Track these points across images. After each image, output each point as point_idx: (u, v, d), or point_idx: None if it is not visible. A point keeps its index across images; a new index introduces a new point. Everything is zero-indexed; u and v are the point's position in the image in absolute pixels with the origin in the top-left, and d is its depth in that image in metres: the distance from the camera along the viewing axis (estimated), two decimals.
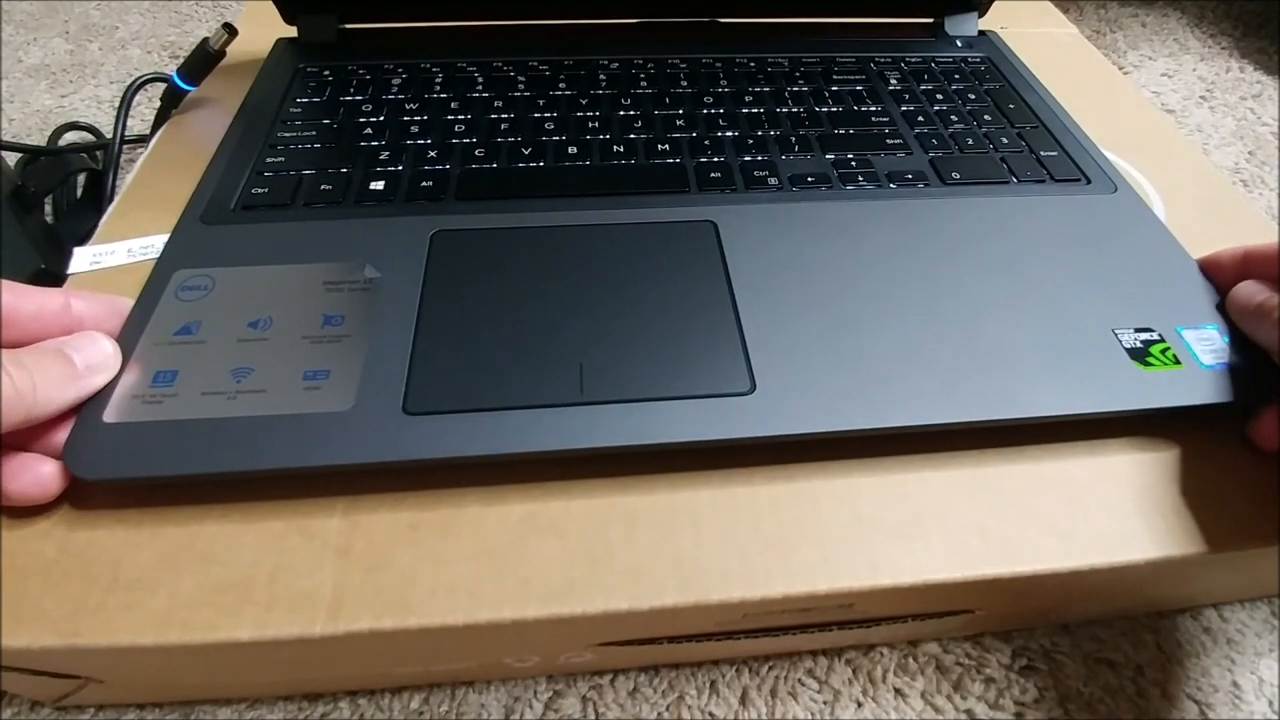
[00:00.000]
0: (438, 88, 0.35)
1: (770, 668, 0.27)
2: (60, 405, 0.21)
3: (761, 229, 0.28)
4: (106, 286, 0.27)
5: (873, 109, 0.35)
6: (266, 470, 0.21)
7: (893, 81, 0.37)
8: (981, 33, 0.41)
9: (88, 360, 0.22)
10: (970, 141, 0.34)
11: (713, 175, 0.31)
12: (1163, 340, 0.25)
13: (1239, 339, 0.25)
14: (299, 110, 0.34)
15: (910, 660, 0.28)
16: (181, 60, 0.37)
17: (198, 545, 0.21)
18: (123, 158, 0.38)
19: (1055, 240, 0.29)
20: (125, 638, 0.19)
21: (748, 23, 0.41)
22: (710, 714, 0.26)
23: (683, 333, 0.24)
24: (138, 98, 0.39)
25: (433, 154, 0.31)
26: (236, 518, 0.22)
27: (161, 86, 0.37)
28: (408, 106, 0.34)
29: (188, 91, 0.37)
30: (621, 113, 0.34)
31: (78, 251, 0.29)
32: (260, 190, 0.29)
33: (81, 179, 0.41)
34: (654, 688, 0.27)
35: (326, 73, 0.36)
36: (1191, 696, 0.27)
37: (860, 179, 0.31)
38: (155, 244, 0.28)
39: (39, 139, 0.48)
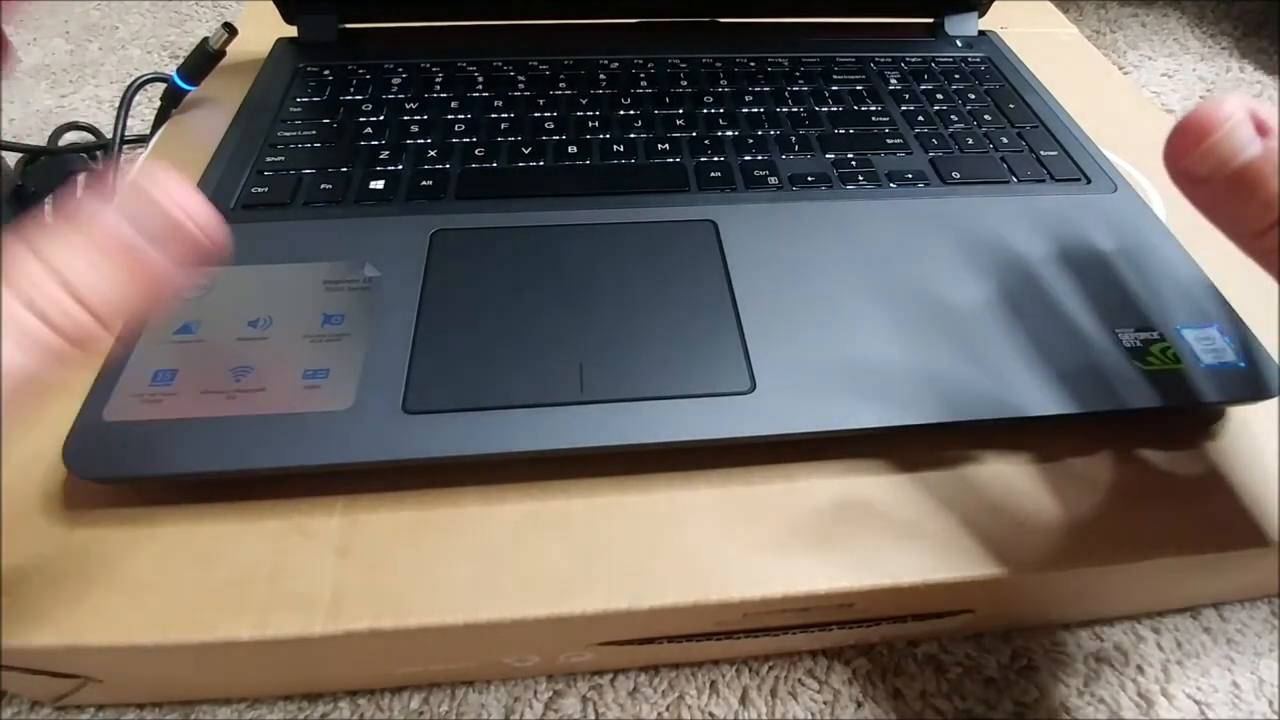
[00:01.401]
0: (438, 87, 0.35)
1: (770, 668, 0.27)
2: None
3: (761, 228, 0.28)
4: None
5: (873, 109, 0.35)
6: (266, 469, 0.21)
7: (893, 81, 0.37)
8: (981, 33, 0.41)
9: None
10: (970, 141, 0.34)
11: (713, 175, 0.31)
12: (1163, 340, 0.25)
13: (1240, 338, 0.25)
14: (299, 110, 0.34)
15: (910, 660, 0.28)
16: (181, 60, 0.37)
17: (198, 545, 0.21)
18: (123, 158, 0.38)
19: (1055, 240, 0.28)
20: (125, 637, 0.19)
21: (748, 23, 0.41)
22: (710, 714, 0.26)
23: (683, 332, 0.24)
24: (138, 98, 0.39)
25: (433, 153, 0.31)
26: (236, 517, 0.22)
27: (161, 86, 0.37)
28: (408, 106, 0.34)
29: (188, 91, 0.37)
30: (621, 112, 0.34)
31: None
32: (260, 189, 0.29)
33: (81, 179, 0.41)
34: (654, 688, 0.27)
35: (326, 72, 0.36)
36: (1191, 696, 0.27)
37: (860, 178, 0.31)
38: None
39: (39, 139, 0.48)
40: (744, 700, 0.27)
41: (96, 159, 0.42)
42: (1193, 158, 0.17)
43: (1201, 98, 0.57)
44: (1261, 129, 0.16)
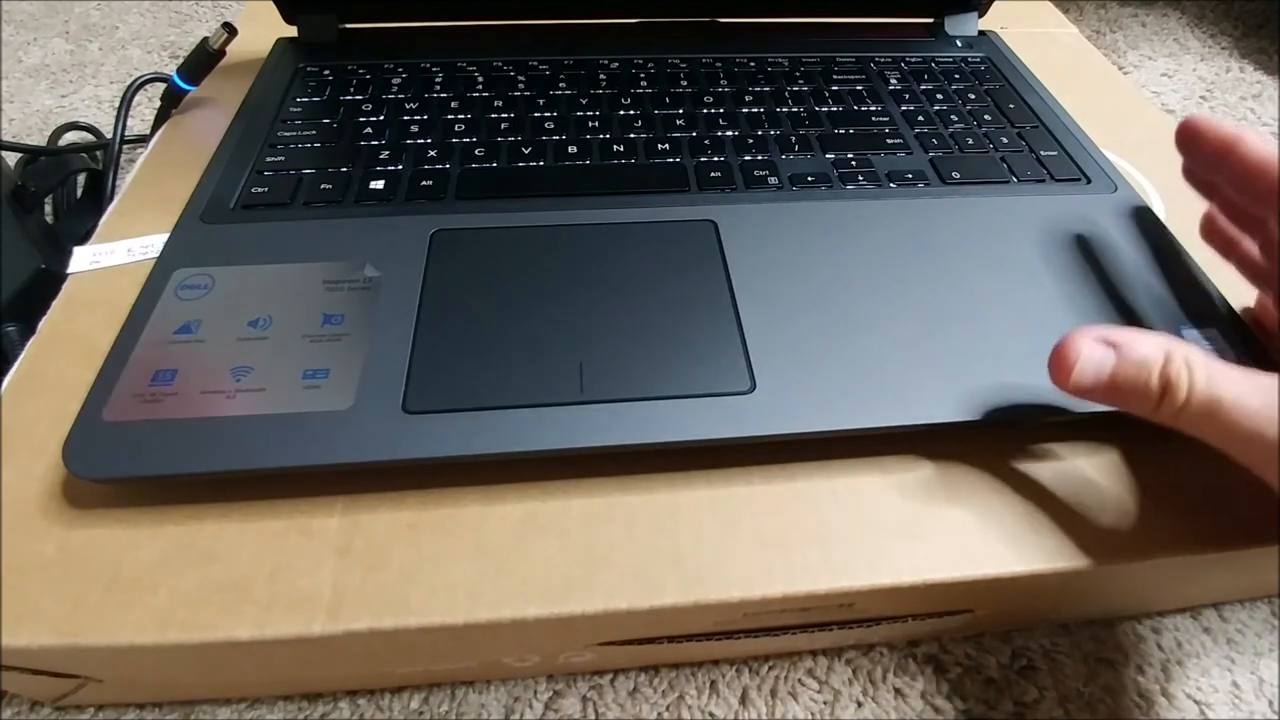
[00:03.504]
0: (438, 87, 0.35)
1: (770, 668, 0.27)
2: None
3: (761, 228, 0.28)
4: (106, 286, 0.27)
5: (873, 109, 0.35)
6: (266, 469, 0.21)
7: (893, 81, 0.37)
8: (981, 33, 0.41)
9: None
10: (970, 141, 0.34)
11: (713, 175, 0.31)
12: None
13: (1241, 338, 0.25)
14: (299, 110, 0.34)
15: (910, 660, 0.28)
16: (181, 60, 0.37)
17: (197, 544, 0.21)
18: (123, 158, 0.38)
19: (1055, 240, 0.29)
20: (125, 637, 0.19)
21: (748, 23, 0.41)
22: (710, 714, 0.26)
23: (683, 332, 0.24)
24: (138, 98, 0.39)
25: (433, 153, 0.31)
26: (236, 517, 0.22)
27: (161, 86, 0.37)
28: (408, 106, 0.34)
29: (188, 91, 0.37)
30: (621, 112, 0.34)
31: (78, 251, 0.29)
32: (260, 189, 0.29)
33: (81, 179, 0.41)
34: (654, 688, 0.27)
35: (326, 72, 0.36)
36: (1191, 696, 0.27)
37: (860, 178, 0.31)
38: (155, 243, 0.28)
39: (39, 139, 0.48)
40: (744, 700, 0.27)
41: (96, 159, 0.42)
42: (1072, 384, 0.21)
43: (1202, 98, 0.57)
44: (1109, 343, 0.20)
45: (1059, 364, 0.21)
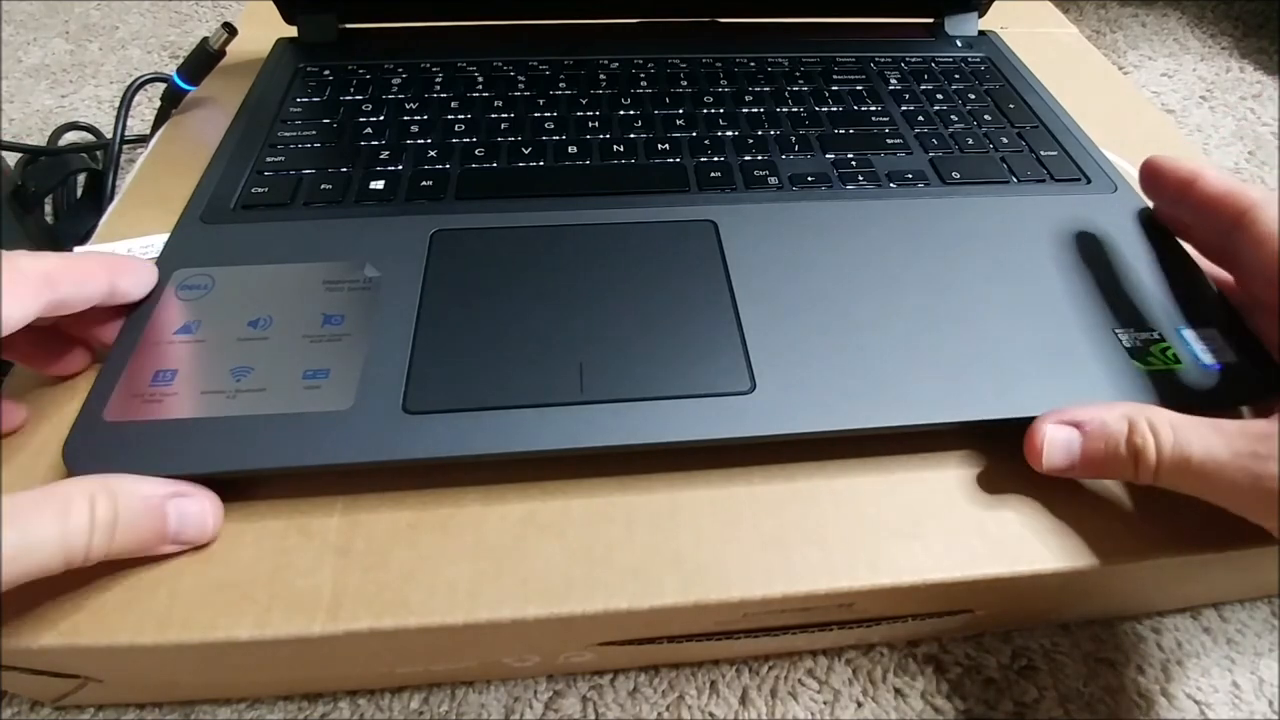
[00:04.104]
0: (438, 88, 0.35)
1: (770, 668, 0.27)
2: (131, 553, 0.19)
3: (761, 228, 0.28)
4: None
5: (873, 109, 0.35)
6: (266, 469, 0.21)
7: (893, 81, 0.37)
8: (981, 33, 0.41)
9: (181, 528, 0.20)
10: (970, 141, 0.34)
11: (713, 175, 0.31)
12: (1163, 340, 0.25)
13: (1240, 337, 0.25)
14: (299, 110, 0.34)
15: (910, 660, 0.28)
16: (181, 60, 0.37)
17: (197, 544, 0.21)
18: (123, 158, 0.38)
19: (1055, 240, 0.29)
20: (125, 637, 0.19)
21: (748, 23, 0.41)
22: (710, 714, 0.26)
23: (683, 332, 0.24)
24: (138, 98, 0.39)
25: (433, 153, 0.31)
26: (236, 517, 0.22)
27: (161, 86, 0.37)
28: (408, 106, 0.34)
29: (188, 91, 0.37)
30: (621, 112, 0.34)
31: (77, 251, 0.29)
32: (260, 190, 0.29)
33: (81, 179, 0.41)
34: (654, 688, 0.27)
35: (326, 72, 0.36)
36: (1191, 696, 0.27)
37: (860, 179, 0.31)
38: (155, 243, 0.28)
39: (39, 139, 0.48)
40: (744, 700, 0.27)
41: (96, 159, 0.42)
42: (1046, 468, 0.22)
43: (1202, 98, 0.57)
44: (1072, 424, 0.21)
45: (1029, 451, 0.22)
